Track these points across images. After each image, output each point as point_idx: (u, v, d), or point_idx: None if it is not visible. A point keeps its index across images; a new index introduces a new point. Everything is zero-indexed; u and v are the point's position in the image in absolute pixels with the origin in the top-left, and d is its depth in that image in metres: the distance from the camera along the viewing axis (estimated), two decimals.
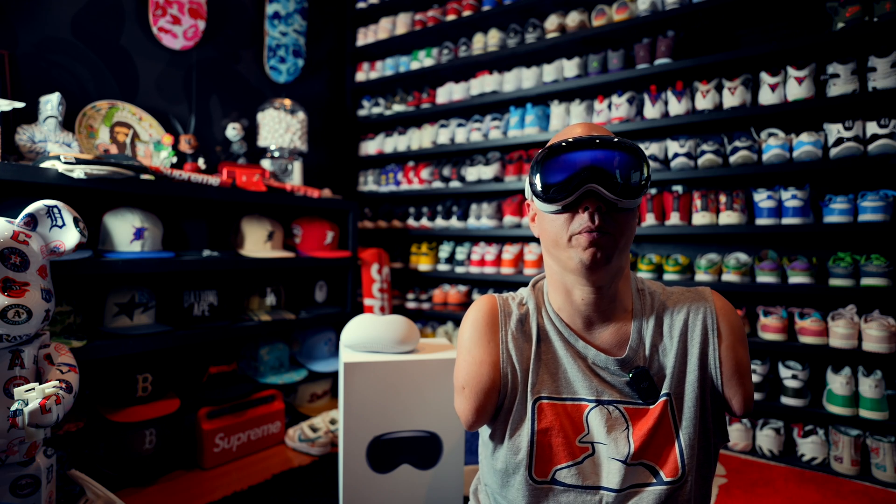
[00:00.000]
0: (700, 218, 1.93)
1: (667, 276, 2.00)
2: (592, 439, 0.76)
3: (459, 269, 2.56)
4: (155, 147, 1.96)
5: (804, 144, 1.74)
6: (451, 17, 2.58)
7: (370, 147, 2.92)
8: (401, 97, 2.79)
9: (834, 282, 1.73)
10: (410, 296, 2.77)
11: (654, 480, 0.74)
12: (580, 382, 0.78)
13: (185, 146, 2.05)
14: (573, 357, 0.79)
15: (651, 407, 0.76)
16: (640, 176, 0.74)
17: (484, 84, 2.49)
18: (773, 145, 1.79)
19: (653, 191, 2.10)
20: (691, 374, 0.77)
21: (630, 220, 0.76)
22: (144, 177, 1.68)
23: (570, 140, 0.75)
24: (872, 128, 1.64)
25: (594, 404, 0.77)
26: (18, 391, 0.95)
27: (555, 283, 0.82)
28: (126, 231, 1.67)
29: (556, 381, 0.79)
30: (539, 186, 0.76)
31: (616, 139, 0.75)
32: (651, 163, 2.04)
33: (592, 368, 0.79)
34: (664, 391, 0.76)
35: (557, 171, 0.75)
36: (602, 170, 0.73)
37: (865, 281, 1.66)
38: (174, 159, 1.98)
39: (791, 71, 1.79)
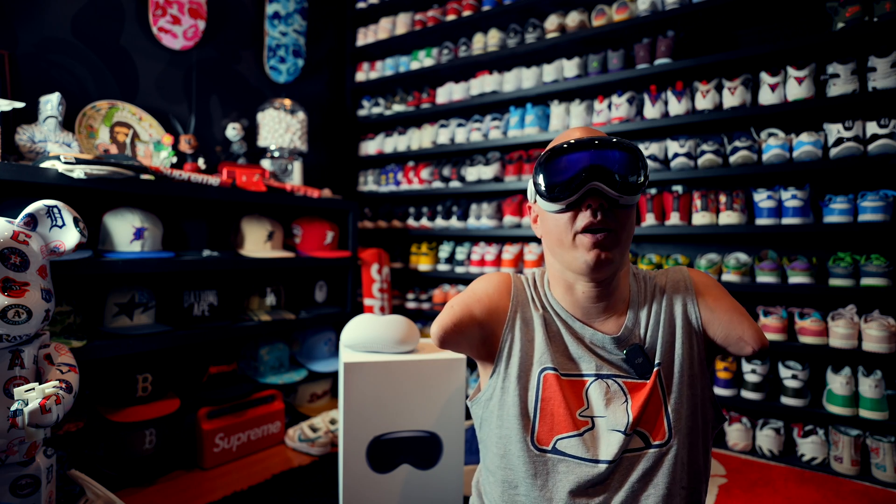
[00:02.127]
0: (700, 218, 1.93)
1: None
2: (592, 413, 0.80)
3: (459, 269, 2.56)
4: (155, 147, 1.96)
5: (804, 144, 1.74)
6: (451, 17, 2.58)
7: (370, 147, 2.92)
8: (401, 97, 2.79)
9: (834, 282, 1.73)
10: (410, 296, 2.77)
11: (643, 445, 0.78)
12: (581, 359, 0.82)
13: (185, 146, 2.06)
14: (573, 338, 0.83)
15: (647, 381, 0.80)
16: (639, 173, 0.78)
17: (484, 84, 2.49)
18: (773, 145, 1.79)
19: (653, 191, 2.10)
20: (677, 345, 0.81)
21: (630, 217, 0.80)
22: (144, 177, 1.68)
23: (572, 141, 0.79)
24: (872, 128, 1.64)
25: (594, 378, 0.81)
26: (18, 391, 0.95)
27: (556, 279, 0.86)
28: (126, 231, 1.67)
29: (559, 357, 0.83)
30: (543, 186, 0.79)
31: (615, 139, 0.79)
32: (651, 163, 2.04)
33: (590, 347, 0.83)
34: (656, 361, 0.81)
35: (560, 171, 0.78)
36: (603, 168, 0.76)
37: (865, 281, 1.66)
38: (174, 159, 1.98)
39: (791, 71, 1.79)
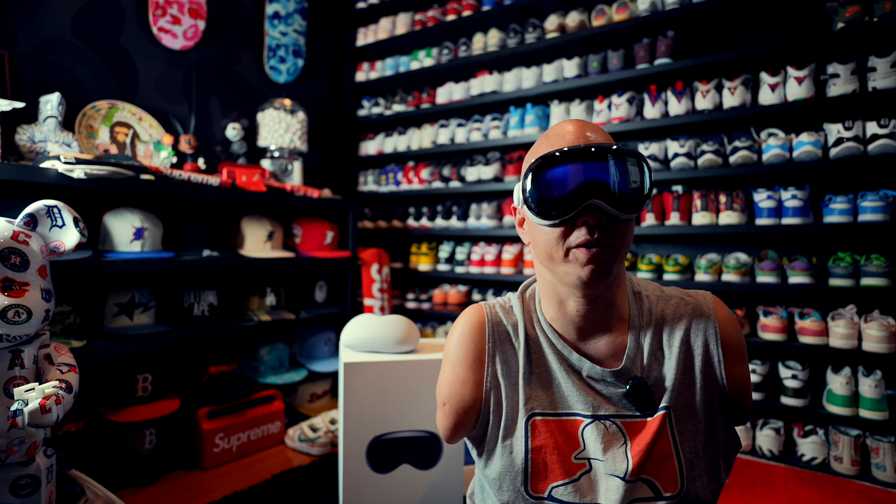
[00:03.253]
0: (700, 218, 1.93)
1: (667, 276, 2.00)
2: (588, 455, 0.74)
3: (459, 269, 2.56)
4: (155, 147, 1.96)
5: (804, 144, 1.74)
6: (451, 17, 2.58)
7: (370, 147, 2.92)
8: (401, 97, 2.79)
9: (834, 282, 1.73)
10: (410, 296, 2.77)
11: (653, 495, 0.71)
12: (575, 397, 0.75)
13: (185, 146, 2.06)
14: (566, 371, 0.76)
15: (649, 420, 0.73)
16: (644, 185, 0.69)
17: (484, 84, 2.49)
18: (773, 145, 1.79)
19: (653, 191, 2.10)
20: (695, 388, 0.74)
21: (629, 228, 0.72)
22: (144, 177, 1.68)
23: (566, 150, 0.69)
24: (872, 128, 1.64)
25: (590, 420, 0.74)
26: (18, 391, 0.95)
27: (547, 292, 0.78)
28: (126, 231, 1.67)
29: (550, 395, 0.76)
30: (533, 202, 0.70)
31: (616, 146, 0.69)
32: (651, 163, 2.04)
33: (587, 382, 0.75)
34: (663, 404, 0.73)
35: (553, 185, 0.68)
36: (602, 183, 0.67)
37: (865, 281, 1.66)
38: (174, 159, 1.98)
39: (791, 71, 1.79)
